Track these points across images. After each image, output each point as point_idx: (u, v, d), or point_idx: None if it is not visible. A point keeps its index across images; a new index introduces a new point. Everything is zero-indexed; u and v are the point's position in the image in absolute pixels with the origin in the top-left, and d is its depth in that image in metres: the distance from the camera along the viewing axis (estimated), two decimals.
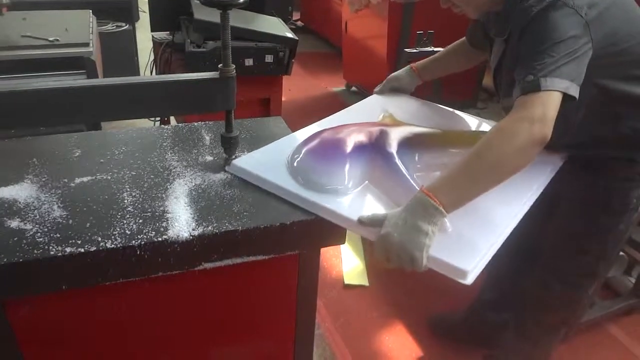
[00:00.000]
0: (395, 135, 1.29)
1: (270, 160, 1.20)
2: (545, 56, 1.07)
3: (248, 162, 1.19)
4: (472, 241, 1.02)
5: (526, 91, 1.05)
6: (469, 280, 0.95)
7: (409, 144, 1.30)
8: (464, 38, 1.62)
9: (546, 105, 1.03)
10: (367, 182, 1.17)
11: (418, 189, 1.02)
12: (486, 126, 1.56)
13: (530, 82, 1.05)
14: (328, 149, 1.22)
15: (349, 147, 1.22)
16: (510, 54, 1.26)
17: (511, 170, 1.03)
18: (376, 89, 1.69)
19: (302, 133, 1.35)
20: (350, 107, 1.57)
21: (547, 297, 1.61)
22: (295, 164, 1.18)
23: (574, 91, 1.06)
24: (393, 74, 1.69)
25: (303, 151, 1.22)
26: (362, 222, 1.01)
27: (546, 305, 1.63)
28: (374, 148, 1.25)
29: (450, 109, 1.66)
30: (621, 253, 2.07)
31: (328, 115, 1.47)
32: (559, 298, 1.59)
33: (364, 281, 2.39)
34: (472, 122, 1.60)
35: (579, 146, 1.36)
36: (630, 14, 1.24)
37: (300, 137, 1.31)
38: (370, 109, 1.55)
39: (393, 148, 1.24)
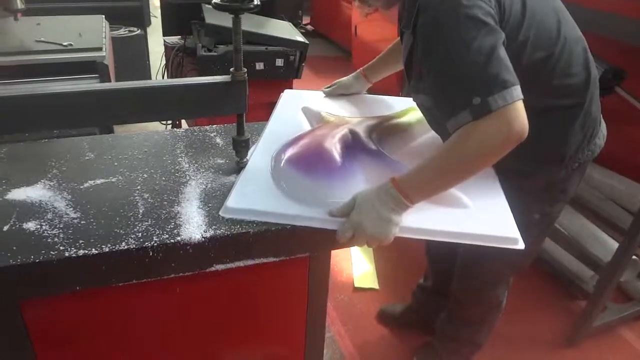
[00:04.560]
0: (365, 132, 1.31)
1: (263, 190, 1.11)
2: (475, 65, 0.98)
3: (244, 200, 1.07)
4: (498, 210, 1.11)
5: (478, 116, 0.97)
6: (521, 244, 1.04)
7: (380, 135, 1.33)
8: None
9: (514, 112, 0.97)
10: (369, 184, 1.13)
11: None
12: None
13: (479, 106, 0.97)
14: (322, 165, 1.17)
15: (338, 157, 1.19)
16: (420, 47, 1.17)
17: (480, 169, 1.04)
18: (325, 91, 1.67)
19: (265, 151, 1.25)
20: (274, 114, 1.49)
21: (463, 292, 1.73)
22: (294, 188, 1.10)
23: (520, 93, 0.99)
24: (342, 80, 1.67)
25: (294, 172, 1.14)
26: (333, 214, 1.05)
27: (463, 299, 1.75)
28: (357, 151, 1.25)
29: (369, 95, 1.71)
30: (634, 257, 2.05)
31: None
32: (471, 295, 1.72)
33: (374, 284, 2.39)
34: (397, 101, 1.64)
35: None
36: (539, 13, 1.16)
37: (266, 157, 1.22)
38: (295, 112, 1.51)
39: (373, 145, 1.27)
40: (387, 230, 1.02)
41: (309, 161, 1.18)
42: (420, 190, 1.04)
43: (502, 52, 1.01)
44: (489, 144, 0.99)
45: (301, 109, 1.51)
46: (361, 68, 1.68)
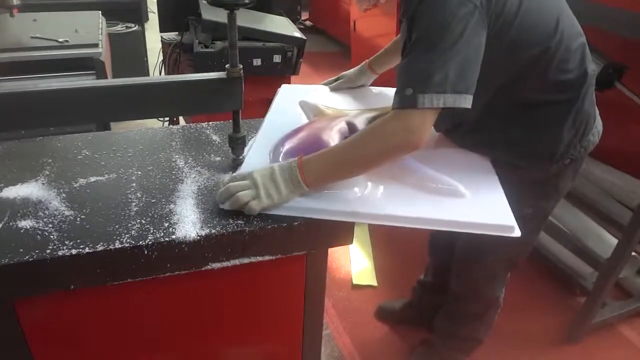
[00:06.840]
0: (363, 125, 1.30)
1: None
2: (425, 62, 1.00)
3: None
4: (494, 199, 1.12)
5: (403, 106, 1.01)
6: (517, 232, 1.04)
7: None
8: None
9: (424, 118, 1.01)
10: (367, 177, 1.15)
11: (424, 168, 1.08)
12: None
13: (408, 97, 1.00)
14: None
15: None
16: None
17: (374, 167, 1.08)
18: (331, 86, 1.66)
19: (262, 147, 1.24)
20: (272, 109, 1.49)
21: (459, 288, 1.74)
22: None
23: (464, 102, 1.02)
24: (347, 73, 1.66)
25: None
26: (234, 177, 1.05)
27: (460, 295, 1.76)
28: None
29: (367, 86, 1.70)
30: (633, 253, 2.04)
31: None
32: (468, 291, 1.73)
33: (372, 281, 2.38)
34: (385, 92, 1.64)
35: (473, 145, 1.33)
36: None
37: (263, 153, 1.21)
38: (292, 106, 1.50)
39: None
40: (273, 196, 1.01)
41: (306, 154, 1.16)
42: (319, 175, 1.05)
43: (472, 54, 1.02)
44: (384, 143, 1.04)
45: (298, 103, 1.50)
46: (366, 60, 1.65)
